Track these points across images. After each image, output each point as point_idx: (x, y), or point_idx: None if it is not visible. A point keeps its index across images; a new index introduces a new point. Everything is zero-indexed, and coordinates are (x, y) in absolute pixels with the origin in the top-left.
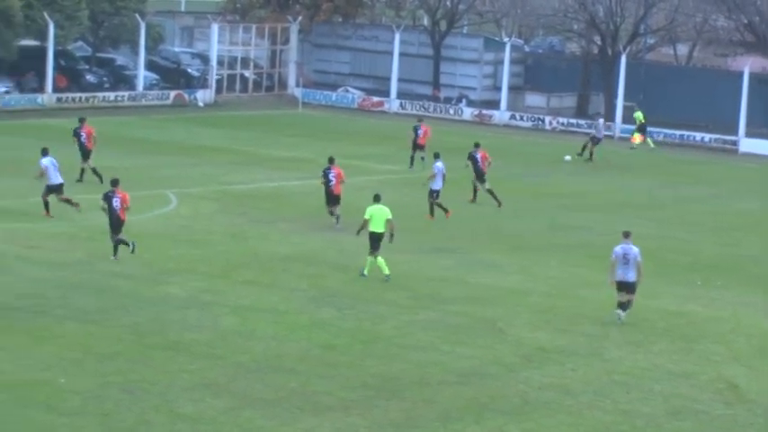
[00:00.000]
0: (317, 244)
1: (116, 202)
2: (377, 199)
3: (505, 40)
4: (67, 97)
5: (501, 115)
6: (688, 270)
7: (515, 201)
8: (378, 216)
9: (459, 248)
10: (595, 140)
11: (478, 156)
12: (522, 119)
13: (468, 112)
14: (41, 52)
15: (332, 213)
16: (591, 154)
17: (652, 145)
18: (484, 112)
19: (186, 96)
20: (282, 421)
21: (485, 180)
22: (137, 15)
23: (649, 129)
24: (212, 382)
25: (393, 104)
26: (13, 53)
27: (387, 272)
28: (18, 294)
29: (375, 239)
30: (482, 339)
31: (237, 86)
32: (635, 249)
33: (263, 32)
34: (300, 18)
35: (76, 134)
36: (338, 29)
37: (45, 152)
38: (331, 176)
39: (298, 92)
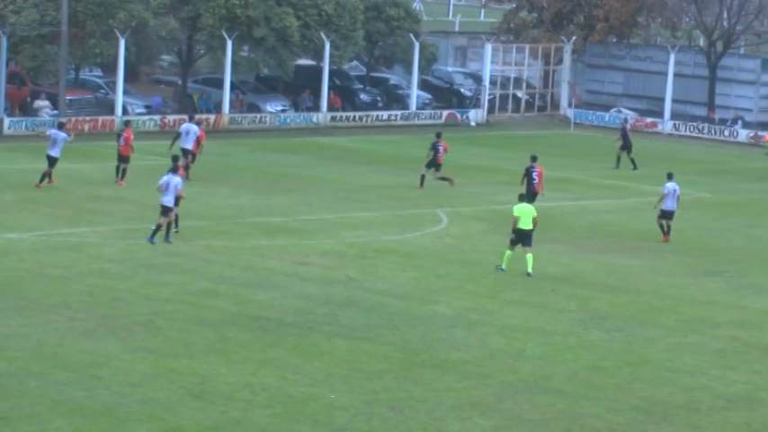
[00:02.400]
0: (587, 265)
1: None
2: (522, 198)
3: None
4: (341, 116)
5: None
6: None
7: None
8: (525, 213)
9: (728, 272)
10: None
11: (440, 147)
12: None
13: (743, 134)
14: (317, 72)
15: None
16: None
17: None
18: (760, 133)
19: (458, 116)
20: None
21: (439, 169)
22: (411, 35)
23: None
24: (480, 401)
25: (666, 126)
26: (290, 72)
27: (530, 269)
28: (287, 310)
29: (524, 236)
30: (754, 365)
31: (510, 106)
32: None
33: (537, 53)
34: (574, 38)
35: (118, 136)
36: (612, 49)
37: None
38: (534, 175)
39: (570, 112)
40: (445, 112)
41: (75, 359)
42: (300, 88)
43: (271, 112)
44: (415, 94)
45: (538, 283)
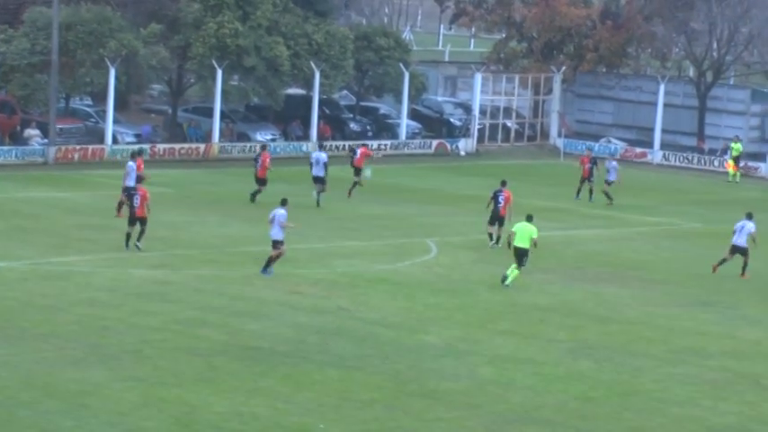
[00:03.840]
0: (576, 295)
1: (136, 200)
2: (529, 219)
3: None
4: (331, 145)
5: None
6: None
7: None
8: (522, 232)
9: (720, 303)
10: (608, 182)
11: (358, 151)
12: None
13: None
14: (307, 101)
15: (491, 235)
16: (608, 195)
17: (737, 180)
18: (749, 164)
19: (448, 145)
20: None
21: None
22: (401, 65)
23: None
24: None
25: (656, 156)
26: (280, 101)
27: (508, 282)
28: (278, 340)
29: (519, 254)
30: (745, 395)
31: (499, 136)
32: None
33: (527, 82)
34: (564, 68)
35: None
36: (602, 79)
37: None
38: (500, 198)
39: (559, 142)
40: (435, 142)
41: (65, 388)
42: (290, 117)
43: (261, 141)
44: (404, 124)
45: (527, 313)
